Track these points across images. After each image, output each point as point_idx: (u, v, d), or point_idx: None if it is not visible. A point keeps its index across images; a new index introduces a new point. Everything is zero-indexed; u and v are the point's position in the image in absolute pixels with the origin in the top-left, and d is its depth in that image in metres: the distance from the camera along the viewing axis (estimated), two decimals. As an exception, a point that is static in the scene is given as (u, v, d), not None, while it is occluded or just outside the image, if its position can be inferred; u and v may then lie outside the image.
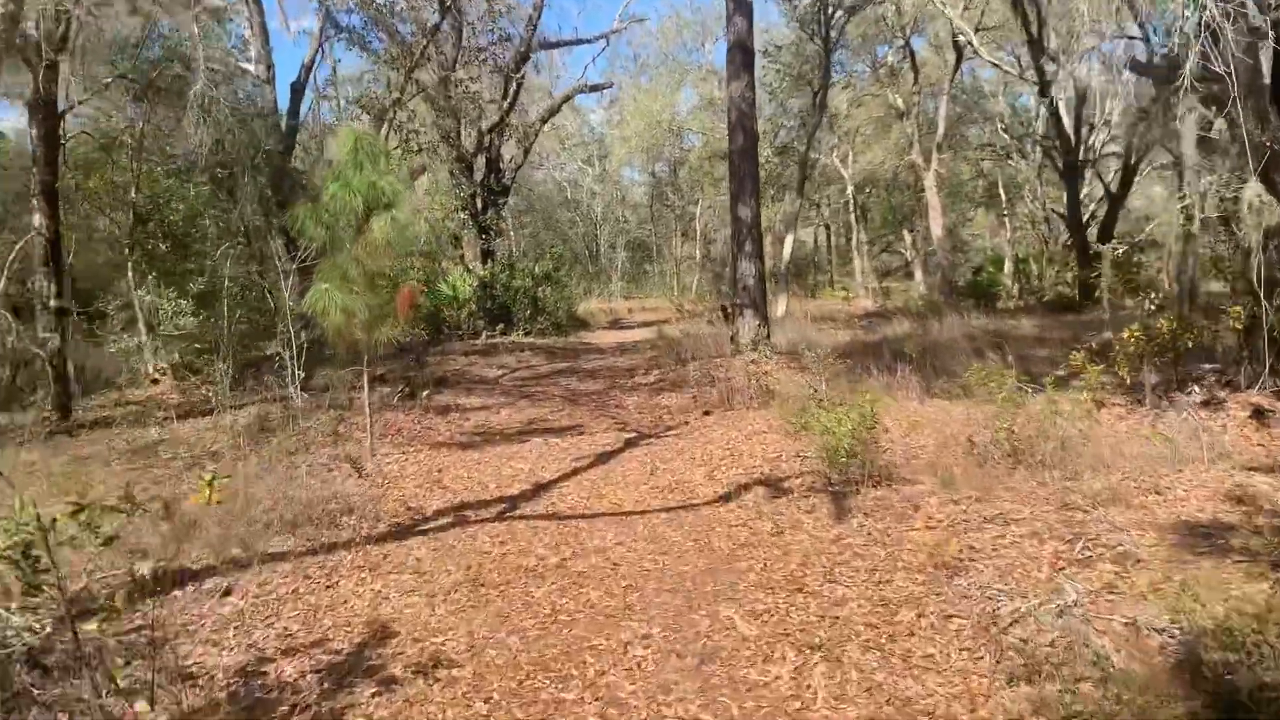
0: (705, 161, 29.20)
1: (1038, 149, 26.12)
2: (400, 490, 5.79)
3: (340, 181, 6.11)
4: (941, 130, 24.23)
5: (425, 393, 8.18)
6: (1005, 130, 27.49)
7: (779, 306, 18.45)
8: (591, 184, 36.24)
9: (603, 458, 6.62)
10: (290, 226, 6.36)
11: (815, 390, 6.09)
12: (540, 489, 5.89)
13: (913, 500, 5.00)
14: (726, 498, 5.49)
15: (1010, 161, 27.80)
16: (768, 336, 10.07)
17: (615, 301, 30.52)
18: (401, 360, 12.12)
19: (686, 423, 7.73)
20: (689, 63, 29.50)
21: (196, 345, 9.22)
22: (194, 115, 8.67)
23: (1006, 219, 26.40)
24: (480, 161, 18.07)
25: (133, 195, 9.49)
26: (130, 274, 9.45)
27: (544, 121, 18.39)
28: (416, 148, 14.63)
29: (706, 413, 8.01)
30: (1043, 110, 26.64)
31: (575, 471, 6.25)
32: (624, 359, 12.96)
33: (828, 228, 36.60)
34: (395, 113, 13.09)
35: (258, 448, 7.05)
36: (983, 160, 31.33)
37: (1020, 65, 21.95)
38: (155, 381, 9.42)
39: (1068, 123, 18.60)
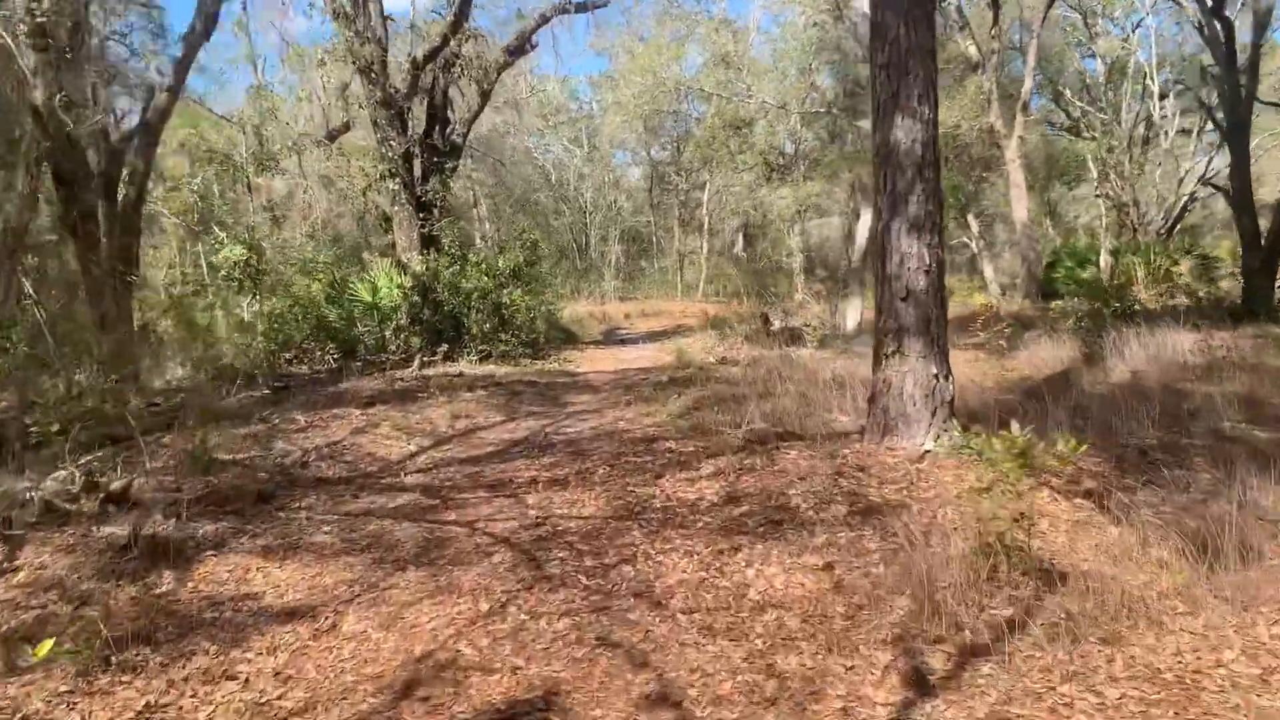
0: (720, 132, 23.84)
1: (1143, 116, 20.91)
2: None
3: None
4: (1028, 86, 18.92)
5: (151, 587, 2.72)
6: (1094, 89, 22.24)
7: (850, 316, 13.18)
8: (580, 165, 30.81)
9: None
10: None
11: None
12: None
13: None
14: None
15: (1089, 135, 22.50)
16: (951, 402, 4.73)
17: (609, 303, 25.19)
18: (245, 422, 6.76)
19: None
20: (697, 12, 23.99)
21: None
22: None
23: (1100, 200, 21.17)
24: (419, 110, 12.67)
25: None
26: None
27: (513, 53, 12.98)
28: None
29: (920, 680, 2.70)
30: (1144, 51, 21.51)
31: None
32: (635, 413, 7.58)
33: (857, 215, 31.38)
34: None
35: None
36: (1044, 133, 26.33)
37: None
38: None
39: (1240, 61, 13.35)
